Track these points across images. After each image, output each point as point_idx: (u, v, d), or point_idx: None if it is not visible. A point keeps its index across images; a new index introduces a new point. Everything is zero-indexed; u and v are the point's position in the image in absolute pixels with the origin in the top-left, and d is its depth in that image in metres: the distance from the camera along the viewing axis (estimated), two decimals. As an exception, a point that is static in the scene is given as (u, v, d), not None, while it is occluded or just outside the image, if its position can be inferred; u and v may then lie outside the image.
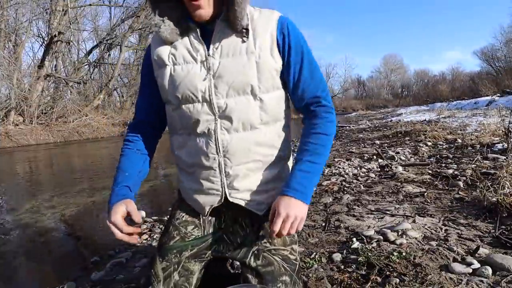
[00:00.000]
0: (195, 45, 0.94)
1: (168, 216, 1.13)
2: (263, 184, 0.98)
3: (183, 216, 1.06)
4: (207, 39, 0.94)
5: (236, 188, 0.96)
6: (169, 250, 1.01)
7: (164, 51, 0.96)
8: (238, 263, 1.30)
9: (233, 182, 0.96)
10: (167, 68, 0.96)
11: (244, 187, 0.97)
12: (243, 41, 0.91)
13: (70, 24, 17.96)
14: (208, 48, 0.93)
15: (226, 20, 0.91)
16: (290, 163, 1.07)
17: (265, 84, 0.92)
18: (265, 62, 0.91)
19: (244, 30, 0.91)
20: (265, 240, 1.01)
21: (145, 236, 2.42)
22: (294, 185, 0.90)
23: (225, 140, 0.92)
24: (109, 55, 22.20)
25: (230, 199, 0.97)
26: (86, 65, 21.23)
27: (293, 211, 0.87)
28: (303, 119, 1.03)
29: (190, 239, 1.03)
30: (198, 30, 0.93)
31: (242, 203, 0.98)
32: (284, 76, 0.97)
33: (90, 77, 21.35)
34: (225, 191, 0.97)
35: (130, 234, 0.90)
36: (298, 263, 1.02)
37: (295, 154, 0.99)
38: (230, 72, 0.90)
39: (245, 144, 0.93)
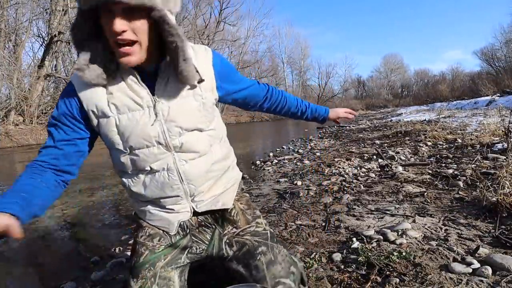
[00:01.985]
0: (136, 90, 0.90)
1: (133, 240, 1.09)
2: (223, 186, 1.08)
3: (146, 232, 1.03)
4: (147, 82, 0.90)
5: (202, 200, 1.03)
6: (141, 267, 0.96)
7: (101, 101, 0.89)
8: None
9: (199, 198, 1.03)
10: (110, 119, 0.90)
11: (209, 196, 1.04)
12: (191, 88, 0.93)
13: (70, 24, 17.94)
14: (152, 93, 0.90)
15: (171, 66, 0.89)
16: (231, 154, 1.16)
17: (209, 117, 1.00)
18: (208, 100, 0.98)
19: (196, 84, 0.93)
20: (230, 227, 1.07)
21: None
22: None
23: (186, 170, 0.97)
24: (109, 55, 22.17)
25: (199, 211, 1.03)
26: (86, 65, 21.17)
27: None
28: (264, 99, 1.20)
29: (160, 249, 1.00)
30: (136, 73, 0.89)
31: (211, 208, 1.05)
32: (230, 101, 1.11)
33: (90, 77, 21.30)
34: (192, 207, 1.03)
35: None
36: (267, 231, 1.07)
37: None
38: (180, 116, 0.93)
39: (203, 167, 1.00)
